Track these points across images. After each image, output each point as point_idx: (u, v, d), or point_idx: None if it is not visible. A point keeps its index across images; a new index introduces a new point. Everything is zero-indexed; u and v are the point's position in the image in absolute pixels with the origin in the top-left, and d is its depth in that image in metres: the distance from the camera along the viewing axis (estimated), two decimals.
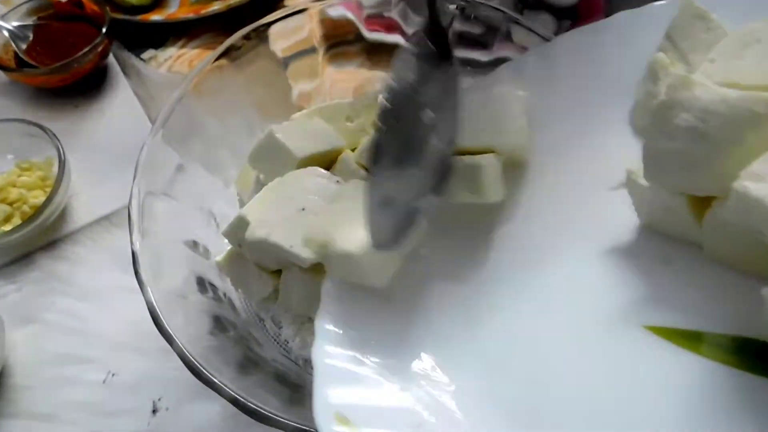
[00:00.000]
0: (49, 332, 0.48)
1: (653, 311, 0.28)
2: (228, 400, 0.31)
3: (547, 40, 0.40)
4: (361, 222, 0.28)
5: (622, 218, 0.31)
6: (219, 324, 0.38)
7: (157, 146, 0.40)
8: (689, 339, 0.27)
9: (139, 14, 0.65)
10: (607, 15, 0.36)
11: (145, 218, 0.37)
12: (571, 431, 0.26)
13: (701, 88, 0.25)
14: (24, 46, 0.61)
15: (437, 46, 0.33)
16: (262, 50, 0.47)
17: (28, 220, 0.50)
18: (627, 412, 0.26)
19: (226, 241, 0.39)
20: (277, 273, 0.38)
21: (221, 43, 0.45)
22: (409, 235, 0.30)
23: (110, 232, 0.53)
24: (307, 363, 0.39)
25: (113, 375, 0.45)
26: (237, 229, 0.37)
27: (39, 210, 0.50)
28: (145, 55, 0.65)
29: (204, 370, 0.31)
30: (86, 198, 0.55)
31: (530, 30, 0.41)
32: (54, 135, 0.53)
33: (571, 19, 0.55)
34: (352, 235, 0.30)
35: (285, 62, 0.49)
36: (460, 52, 0.43)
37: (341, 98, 0.47)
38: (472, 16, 0.44)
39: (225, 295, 0.41)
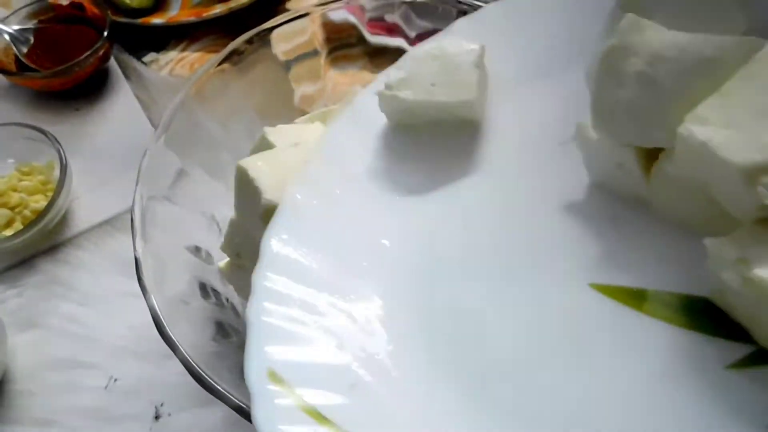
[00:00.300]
0: (51, 337, 0.48)
1: (600, 270, 0.28)
2: (232, 408, 0.30)
3: None
4: None
5: (571, 175, 0.30)
6: (222, 330, 0.38)
7: (159, 151, 0.40)
8: (634, 297, 0.27)
9: (140, 17, 0.65)
10: None
11: (147, 224, 0.37)
12: (513, 392, 0.26)
13: (652, 32, 0.25)
14: (24, 50, 0.61)
15: None
16: (264, 53, 0.47)
17: (29, 224, 0.50)
18: (572, 373, 0.26)
19: None
20: None
21: (223, 46, 0.45)
22: None
23: (112, 236, 0.53)
24: None
25: (115, 380, 0.45)
26: (233, 237, 0.36)
27: (40, 214, 0.50)
28: (147, 58, 0.65)
29: (208, 378, 0.31)
30: (88, 202, 0.55)
31: None
32: (55, 139, 0.53)
33: None
34: None
35: (287, 65, 0.49)
36: None
37: (343, 101, 0.47)
38: None
39: (227, 300, 0.41)
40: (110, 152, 0.58)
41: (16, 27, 0.62)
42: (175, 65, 0.64)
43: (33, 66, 0.60)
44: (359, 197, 0.33)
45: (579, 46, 0.33)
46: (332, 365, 0.27)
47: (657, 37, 0.25)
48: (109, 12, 0.61)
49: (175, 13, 0.66)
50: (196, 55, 0.64)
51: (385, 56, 0.49)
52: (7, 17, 0.62)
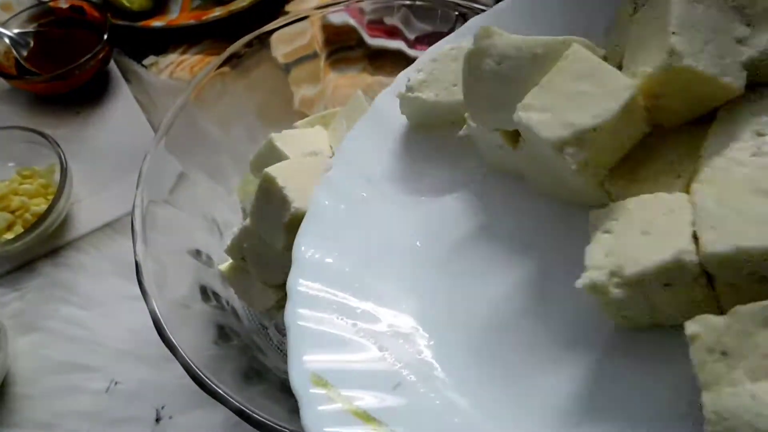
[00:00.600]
0: (52, 340, 0.48)
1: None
2: (234, 412, 0.30)
3: None
4: None
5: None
6: (223, 333, 0.38)
7: (159, 154, 0.40)
8: None
9: (140, 20, 0.65)
10: None
11: (148, 227, 0.37)
12: (544, 389, 0.27)
13: (498, 37, 0.30)
14: (25, 53, 0.61)
15: None
16: (263, 56, 0.47)
17: (30, 228, 0.50)
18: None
19: None
20: (281, 286, 0.38)
21: (222, 48, 0.45)
22: None
23: (113, 239, 0.53)
24: None
25: (116, 383, 0.45)
26: (241, 242, 0.36)
27: (41, 218, 0.50)
28: (147, 61, 0.65)
29: (209, 381, 0.31)
30: (88, 205, 0.55)
31: None
32: (55, 142, 0.53)
33: None
34: None
35: (287, 68, 0.49)
36: None
37: (343, 104, 0.47)
38: None
39: (228, 303, 0.41)
40: (111, 155, 0.58)
41: (17, 30, 0.62)
42: (175, 68, 0.64)
43: (33, 69, 0.60)
44: (385, 200, 0.34)
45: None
46: (375, 366, 0.28)
47: (502, 40, 0.30)
48: (109, 15, 0.61)
49: (174, 17, 0.66)
50: (196, 58, 0.64)
51: (384, 59, 0.49)
52: (8, 21, 0.62)
